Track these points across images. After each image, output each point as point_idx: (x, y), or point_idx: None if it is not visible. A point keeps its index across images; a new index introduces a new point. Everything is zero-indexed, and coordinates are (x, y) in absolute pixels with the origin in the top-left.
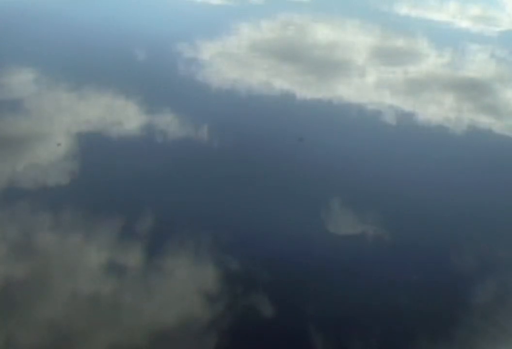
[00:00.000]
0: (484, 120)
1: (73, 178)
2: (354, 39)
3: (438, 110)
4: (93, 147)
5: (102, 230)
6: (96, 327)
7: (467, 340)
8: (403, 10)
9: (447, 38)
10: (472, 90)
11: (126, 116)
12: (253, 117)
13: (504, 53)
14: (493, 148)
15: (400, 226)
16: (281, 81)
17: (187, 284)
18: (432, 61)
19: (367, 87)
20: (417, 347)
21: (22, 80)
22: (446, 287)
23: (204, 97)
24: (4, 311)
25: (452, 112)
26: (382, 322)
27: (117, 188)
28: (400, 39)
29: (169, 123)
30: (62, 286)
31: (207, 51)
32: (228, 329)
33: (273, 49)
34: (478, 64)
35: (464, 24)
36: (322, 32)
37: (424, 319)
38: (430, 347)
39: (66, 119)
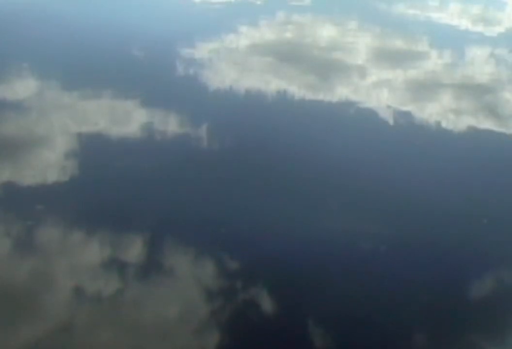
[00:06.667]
0: (484, 120)
1: (73, 177)
2: (354, 39)
3: (438, 110)
4: (92, 147)
5: (102, 229)
6: (98, 325)
7: (469, 339)
8: (404, 10)
9: (447, 38)
10: (472, 90)
11: (125, 116)
12: (253, 117)
13: (504, 53)
14: (493, 148)
15: (401, 225)
16: (282, 81)
17: (188, 283)
18: (432, 62)
19: (367, 88)
20: (417, 346)
21: (21, 80)
22: (448, 286)
23: (203, 97)
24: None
25: (453, 112)
26: (383, 321)
27: (116, 188)
28: (400, 39)
29: (169, 123)
30: (62, 285)
31: (207, 51)
32: (229, 328)
33: (273, 49)
34: (478, 64)
35: (464, 24)
36: (322, 33)
37: (424, 317)
38: (431, 345)
39: (66, 119)
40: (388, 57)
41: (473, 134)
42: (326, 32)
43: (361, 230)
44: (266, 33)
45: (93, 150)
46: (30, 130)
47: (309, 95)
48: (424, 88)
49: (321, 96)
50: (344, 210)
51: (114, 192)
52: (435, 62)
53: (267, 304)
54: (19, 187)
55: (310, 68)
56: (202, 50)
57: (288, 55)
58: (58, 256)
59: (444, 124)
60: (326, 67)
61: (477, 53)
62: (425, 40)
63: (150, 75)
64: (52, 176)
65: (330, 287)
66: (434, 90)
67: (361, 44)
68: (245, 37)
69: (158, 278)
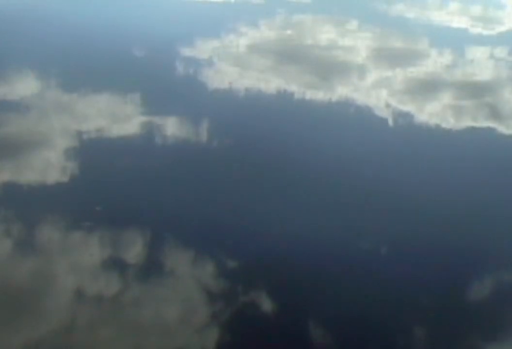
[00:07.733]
0: (484, 121)
1: (73, 178)
2: (355, 39)
3: (438, 110)
4: (92, 147)
5: (102, 230)
6: (98, 325)
7: (470, 339)
8: (404, 10)
9: (447, 38)
10: (472, 90)
11: (125, 116)
12: (253, 117)
13: (504, 53)
14: (493, 148)
15: (401, 225)
16: (282, 81)
17: (188, 283)
18: (432, 61)
19: (367, 88)
20: (418, 346)
21: (21, 80)
22: (448, 286)
23: (204, 97)
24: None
25: (453, 113)
26: (383, 320)
27: (116, 188)
28: (400, 39)
29: (169, 123)
30: (62, 285)
31: (207, 51)
32: (229, 327)
33: (273, 49)
34: (478, 65)
35: (464, 24)
36: (323, 32)
37: (425, 317)
38: (432, 345)
39: (66, 119)
40: (388, 57)
41: (473, 133)
42: (326, 32)
43: (362, 230)
44: (266, 32)
45: (93, 150)
46: (29, 130)
47: (309, 95)
48: (424, 88)
49: (321, 96)
50: (345, 209)
51: (114, 192)
52: (435, 62)
53: (267, 304)
54: (19, 186)
55: (310, 68)
56: (203, 50)
57: (288, 55)
58: (59, 256)
59: (444, 124)
60: (326, 67)
61: (477, 53)
62: (425, 40)
63: (151, 75)
64: (52, 176)
65: (330, 287)
66: (434, 89)
67: (361, 44)
68: (245, 36)
69: (158, 278)
